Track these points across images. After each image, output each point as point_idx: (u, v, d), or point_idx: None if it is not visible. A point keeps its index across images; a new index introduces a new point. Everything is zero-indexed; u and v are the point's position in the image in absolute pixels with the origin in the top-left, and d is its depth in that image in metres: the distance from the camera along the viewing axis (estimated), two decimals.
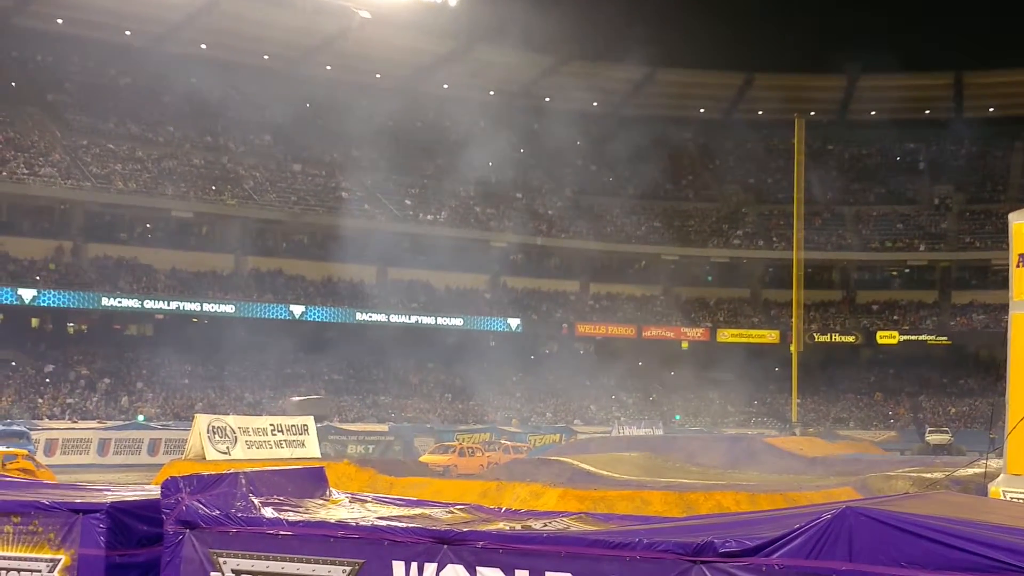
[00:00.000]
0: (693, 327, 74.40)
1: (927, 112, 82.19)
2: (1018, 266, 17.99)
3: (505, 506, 11.79)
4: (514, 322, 69.25)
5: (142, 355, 58.76)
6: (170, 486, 8.28)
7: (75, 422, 48.36)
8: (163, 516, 8.18)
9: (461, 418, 61.82)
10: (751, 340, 74.70)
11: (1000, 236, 73.93)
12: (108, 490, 9.31)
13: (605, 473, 27.77)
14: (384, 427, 55.47)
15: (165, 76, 64.92)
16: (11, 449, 31.14)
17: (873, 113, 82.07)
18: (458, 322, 67.19)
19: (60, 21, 64.30)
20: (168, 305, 59.13)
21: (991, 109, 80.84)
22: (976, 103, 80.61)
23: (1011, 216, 18.44)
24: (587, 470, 28.04)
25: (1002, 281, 21.59)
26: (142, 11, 63.42)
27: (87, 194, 59.40)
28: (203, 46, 67.82)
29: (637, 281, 77.38)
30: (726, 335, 74.36)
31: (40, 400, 52.14)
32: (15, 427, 42.45)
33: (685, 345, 73.71)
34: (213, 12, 64.45)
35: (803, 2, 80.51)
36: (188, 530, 8.07)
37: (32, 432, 42.34)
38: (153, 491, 8.85)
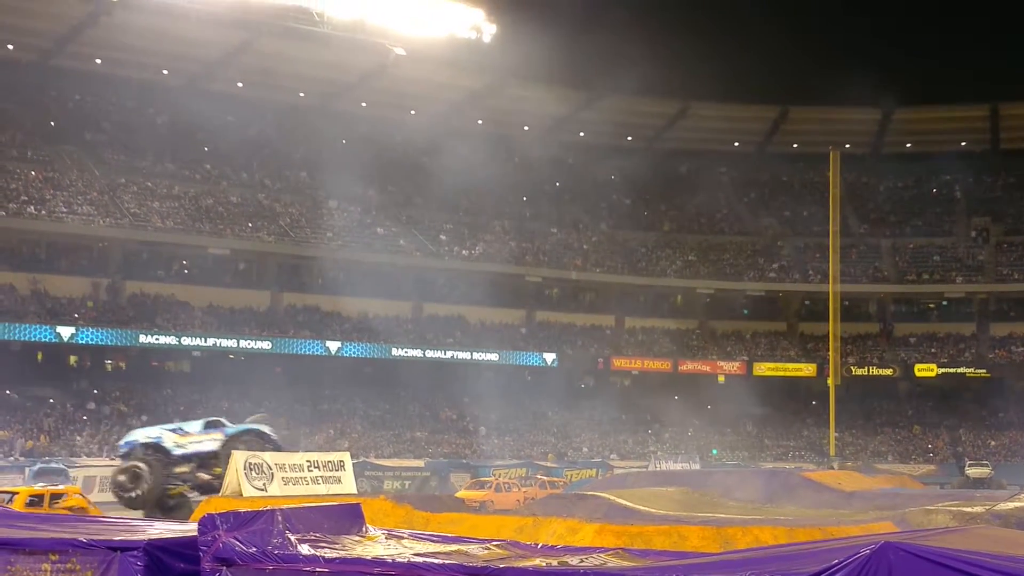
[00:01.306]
0: (729, 361, 74.10)
1: (963, 144, 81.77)
2: None
3: (541, 542, 11.75)
4: (549, 357, 69.15)
5: (179, 392, 59.00)
6: (207, 523, 8.31)
7: (113, 459, 48.50)
8: (200, 553, 8.20)
9: (497, 453, 61.70)
10: (788, 374, 74.31)
11: None
12: (146, 527, 9.34)
13: (642, 508, 27.61)
14: (420, 463, 55.52)
15: (202, 114, 65.38)
16: (60, 487, 31.19)
17: (908, 145, 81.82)
18: (493, 357, 67.13)
19: (98, 61, 65.06)
20: (205, 342, 59.37)
21: None
22: (1012, 134, 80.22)
23: None
24: (624, 505, 27.89)
25: None
26: (179, 51, 64.05)
27: (125, 232, 59.82)
28: (239, 84, 68.44)
29: (672, 315, 77.22)
30: (762, 369, 73.99)
31: (78, 437, 52.39)
32: (53, 464, 42.69)
33: (721, 379, 73.39)
34: (249, 51, 65.02)
35: (837, 36, 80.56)
36: (225, 567, 8.09)
37: (71, 469, 42.57)
38: (190, 528, 8.88)
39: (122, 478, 30.96)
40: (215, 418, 34.37)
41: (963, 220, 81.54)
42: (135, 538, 8.48)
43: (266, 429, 33.64)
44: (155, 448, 32.30)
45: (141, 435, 33.57)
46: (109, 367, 61.09)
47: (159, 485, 31.16)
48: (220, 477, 31.54)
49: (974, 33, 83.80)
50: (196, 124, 66.46)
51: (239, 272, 65.47)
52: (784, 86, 71.99)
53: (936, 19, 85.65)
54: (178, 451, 32.26)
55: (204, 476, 32.11)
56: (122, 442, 34.03)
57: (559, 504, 28.98)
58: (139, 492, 30.68)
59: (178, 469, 31.97)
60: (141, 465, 31.14)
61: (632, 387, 71.82)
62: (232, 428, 33.13)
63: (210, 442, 32.32)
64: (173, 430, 33.55)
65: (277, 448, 33.25)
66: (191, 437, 32.64)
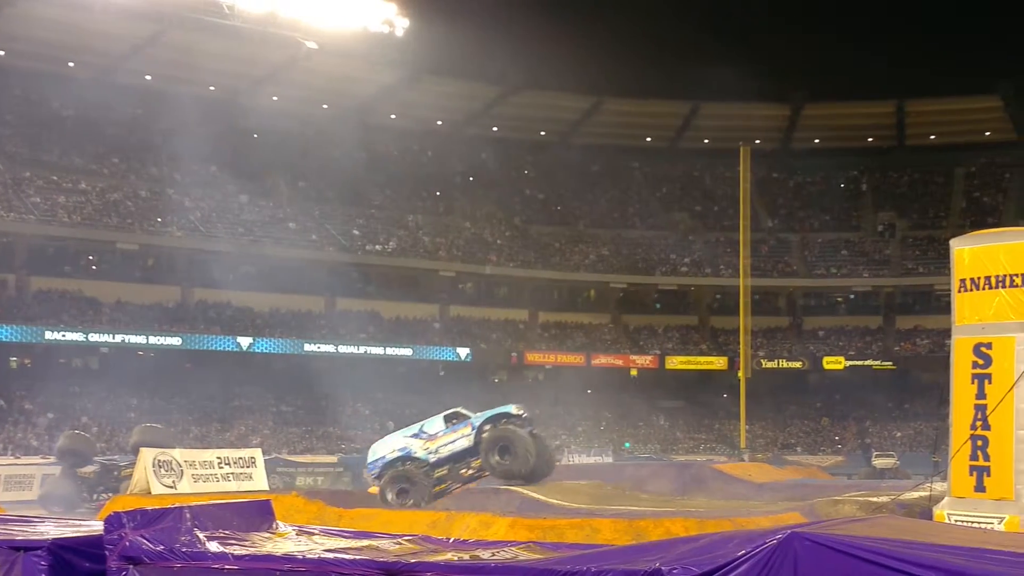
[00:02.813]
0: (641, 354, 74.59)
1: (870, 140, 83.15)
2: (959, 291, 18.22)
3: (454, 536, 11.76)
4: (463, 351, 69.13)
5: (87, 389, 58.05)
6: (113, 521, 8.19)
7: (18, 458, 47.71)
8: (106, 552, 8.08)
9: None
10: (699, 367, 74.98)
11: (942, 262, 74.84)
12: (50, 526, 9.18)
13: (555, 502, 27.75)
14: (333, 458, 55.23)
15: (109, 107, 64.48)
16: None
17: (817, 141, 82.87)
18: (407, 352, 67.01)
19: (2, 53, 63.79)
20: (113, 338, 58.54)
21: (932, 137, 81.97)
22: (918, 131, 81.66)
23: (952, 242, 18.70)
24: (537, 499, 28.01)
25: (944, 306, 21.92)
26: (86, 43, 62.99)
27: (30, 227, 58.78)
28: (148, 77, 67.48)
29: (586, 309, 77.57)
30: (674, 362, 74.58)
31: None
32: None
33: (634, 372, 73.87)
34: (157, 43, 64.11)
35: (748, 33, 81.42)
36: (132, 566, 7.98)
37: None
38: (96, 527, 8.75)
39: (391, 496, 30.45)
40: (454, 410, 32.82)
41: (870, 215, 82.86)
42: (39, 537, 8.34)
43: (513, 409, 32.34)
44: (408, 460, 31.41)
45: (386, 450, 32.16)
46: (14, 364, 59.88)
47: (427, 489, 30.58)
48: (480, 470, 30.99)
49: (881, 31, 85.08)
50: (104, 118, 65.51)
51: (148, 267, 64.64)
52: (695, 82, 72.55)
53: (843, 17, 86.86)
54: (433, 458, 31.26)
55: (465, 471, 31.46)
56: (369, 463, 32.42)
57: (473, 498, 29.05)
58: (412, 502, 30.28)
59: (437, 473, 31.26)
60: (408, 475, 30.64)
61: (546, 381, 71.98)
62: (478, 417, 31.59)
63: (463, 440, 31.19)
64: (416, 435, 32.08)
65: (529, 426, 32.12)
66: (439, 440, 31.43)
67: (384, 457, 31.84)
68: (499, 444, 30.54)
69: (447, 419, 31.96)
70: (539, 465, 31.09)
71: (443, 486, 31.20)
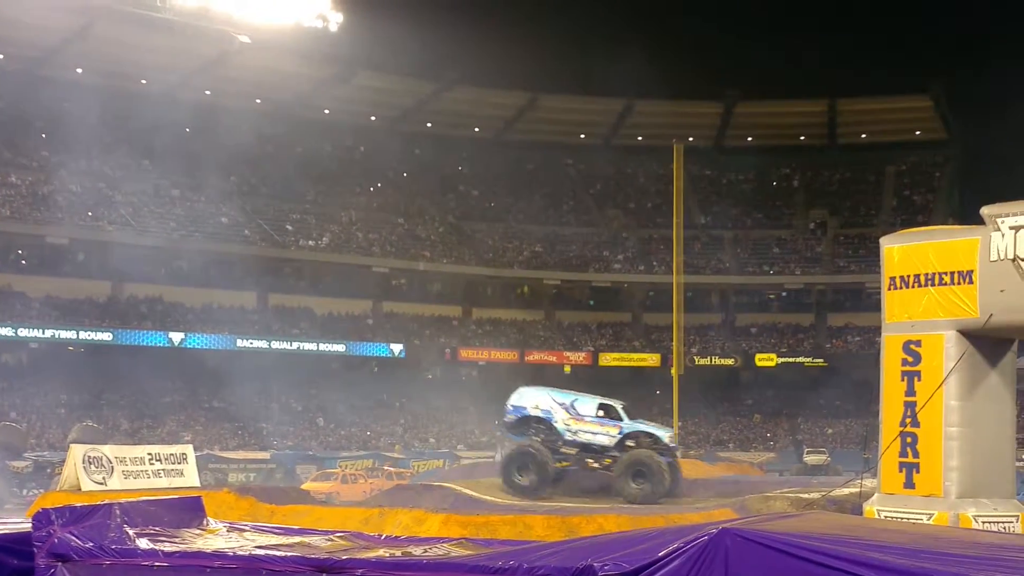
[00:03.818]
0: (575, 351, 74.79)
1: (802, 138, 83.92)
2: (889, 289, 18.44)
3: (387, 533, 11.74)
4: (396, 347, 68.99)
5: (15, 384, 57.34)
6: (41, 518, 8.10)
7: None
8: (34, 549, 7.98)
9: (344, 445, 61.38)
10: (632, 364, 75.25)
11: (872, 259, 75.69)
12: None
13: (488, 498, 27.81)
14: (266, 454, 54.95)
15: (39, 101, 63.58)
16: None
17: (749, 139, 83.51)
18: (340, 348, 66.75)
19: None
20: (43, 333, 57.83)
21: (863, 135, 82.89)
22: (849, 129, 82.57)
23: (882, 240, 18.92)
24: (470, 495, 28.06)
25: (875, 304, 22.24)
26: (15, 35, 62.12)
27: None
28: (79, 70, 66.65)
29: (519, 306, 77.63)
30: (608, 359, 74.85)
31: None
32: None
33: (568, 369, 73.96)
34: (88, 36, 63.35)
35: (682, 31, 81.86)
36: (60, 563, 7.90)
37: None
38: (24, 524, 8.65)
39: (513, 472, 30.27)
40: (611, 403, 31.90)
41: (802, 213, 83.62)
42: None
43: (662, 435, 31.78)
44: (545, 425, 31.02)
45: (531, 403, 31.72)
46: None
47: (545, 472, 30.13)
48: (608, 468, 30.46)
49: (813, 31, 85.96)
50: (33, 111, 64.61)
51: (78, 262, 63.84)
52: (629, 80, 72.86)
53: (775, 16, 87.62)
54: (568, 436, 30.93)
55: (592, 463, 30.95)
56: (511, 405, 31.99)
57: (406, 495, 29.02)
58: (527, 482, 30.01)
59: (564, 450, 30.86)
60: (532, 452, 30.23)
61: (479, 377, 71.98)
62: (627, 424, 31.26)
63: (604, 436, 30.90)
64: (564, 405, 31.65)
65: (672, 456, 31.64)
66: (584, 424, 31.09)
67: (526, 409, 31.60)
68: (637, 468, 30.30)
69: (601, 407, 31.78)
70: (670, 489, 30.98)
71: (565, 464, 30.91)
